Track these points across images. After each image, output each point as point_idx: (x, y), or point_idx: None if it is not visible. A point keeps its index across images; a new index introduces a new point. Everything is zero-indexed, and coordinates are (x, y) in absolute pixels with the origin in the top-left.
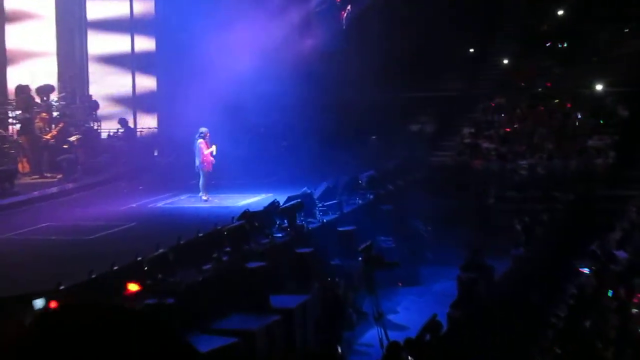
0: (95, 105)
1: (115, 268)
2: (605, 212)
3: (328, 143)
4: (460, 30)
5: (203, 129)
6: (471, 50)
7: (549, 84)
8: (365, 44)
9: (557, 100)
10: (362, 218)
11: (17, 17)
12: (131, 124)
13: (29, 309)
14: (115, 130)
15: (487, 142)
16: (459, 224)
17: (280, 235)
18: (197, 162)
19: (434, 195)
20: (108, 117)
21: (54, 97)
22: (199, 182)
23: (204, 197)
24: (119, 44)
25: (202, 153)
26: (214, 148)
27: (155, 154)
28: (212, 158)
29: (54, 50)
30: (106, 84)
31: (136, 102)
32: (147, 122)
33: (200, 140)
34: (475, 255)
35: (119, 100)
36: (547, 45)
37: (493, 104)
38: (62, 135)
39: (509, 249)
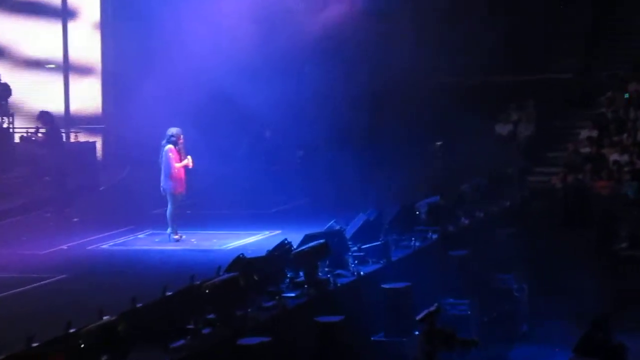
0: (5, 89)
1: (35, 345)
2: None
3: (367, 153)
4: None
5: (173, 130)
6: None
7: None
8: (427, 1)
9: None
10: (421, 270)
11: None
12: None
13: None
14: (34, 130)
15: (616, 152)
16: (572, 280)
17: (292, 295)
18: (163, 181)
19: (532, 235)
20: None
21: None
22: (166, 211)
23: (175, 236)
24: None
25: (171, 166)
26: (189, 160)
27: (99, 167)
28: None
29: None
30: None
31: (70, 87)
32: (87, 118)
33: (169, 147)
34: (597, 329)
35: (42, 86)
36: None
37: (627, 94)
38: None
39: None
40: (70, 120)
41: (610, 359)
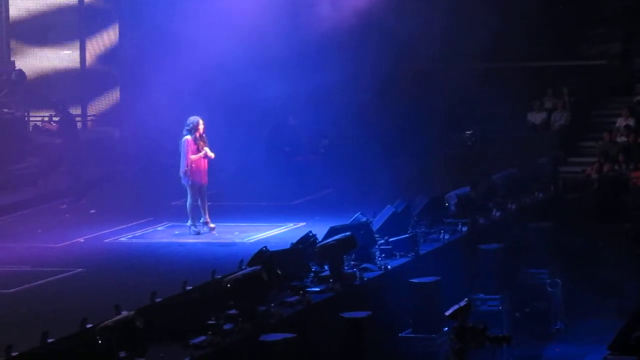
0: (20, 76)
1: (50, 341)
2: None
3: (394, 142)
4: None
5: (193, 119)
6: None
7: None
8: None
9: None
10: (451, 264)
11: None
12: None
13: None
14: (48, 119)
15: None
16: (607, 277)
17: (317, 289)
18: (182, 171)
19: (566, 229)
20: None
21: None
22: (186, 202)
23: (195, 228)
24: None
25: (187, 157)
26: (207, 151)
27: (116, 156)
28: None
29: None
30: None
31: (86, 77)
32: (103, 108)
33: (186, 137)
34: (634, 326)
35: (58, 75)
36: None
37: None
38: None
39: None
40: (87, 110)
41: None
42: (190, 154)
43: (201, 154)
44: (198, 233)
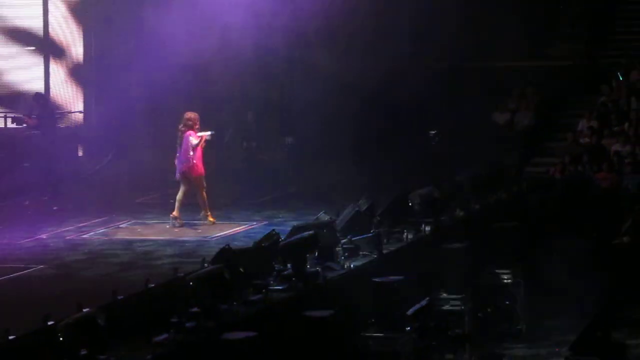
0: None
1: (11, 338)
2: None
3: (359, 140)
4: None
5: (191, 115)
6: None
7: None
8: None
9: None
10: (414, 263)
11: None
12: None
13: None
14: (28, 113)
15: (618, 142)
16: (571, 277)
17: (280, 288)
18: (180, 165)
19: (530, 228)
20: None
21: None
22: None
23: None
24: None
25: (192, 151)
26: (208, 133)
27: (80, 153)
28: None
29: None
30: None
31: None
32: (64, 101)
33: (190, 132)
34: (596, 328)
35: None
36: None
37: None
38: None
39: None
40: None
41: (610, 358)
42: (192, 148)
43: (204, 134)
44: (182, 226)
